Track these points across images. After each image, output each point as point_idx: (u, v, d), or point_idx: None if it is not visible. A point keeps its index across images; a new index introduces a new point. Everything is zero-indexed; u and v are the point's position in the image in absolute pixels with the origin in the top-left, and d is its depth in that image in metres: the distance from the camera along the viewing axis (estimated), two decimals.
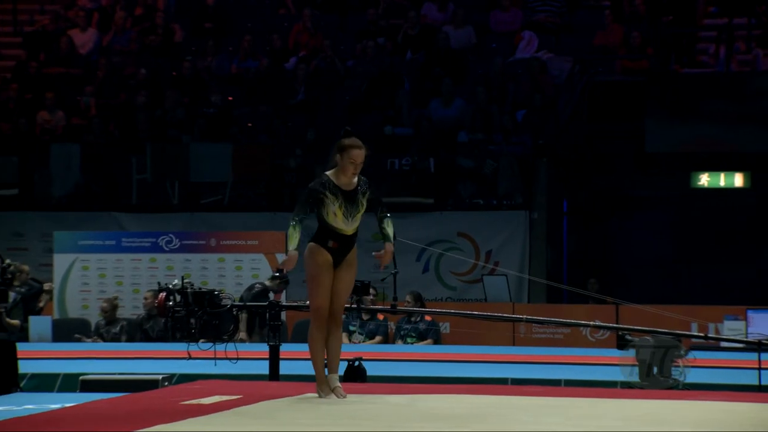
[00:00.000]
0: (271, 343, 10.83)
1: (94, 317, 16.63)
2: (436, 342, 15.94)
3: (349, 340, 15.46)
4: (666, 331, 10.86)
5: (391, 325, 16.14)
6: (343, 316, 8.77)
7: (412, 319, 15.87)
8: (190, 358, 10.61)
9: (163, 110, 20.12)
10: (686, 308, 15.24)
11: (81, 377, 11.57)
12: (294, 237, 8.31)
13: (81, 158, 19.25)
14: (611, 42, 20.01)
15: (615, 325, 13.64)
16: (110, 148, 19.60)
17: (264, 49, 21.12)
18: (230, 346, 10.56)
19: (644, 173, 18.89)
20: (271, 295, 14.72)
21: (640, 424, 7.46)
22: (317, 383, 8.45)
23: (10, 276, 12.03)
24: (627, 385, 10.48)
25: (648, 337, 10.61)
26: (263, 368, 10.93)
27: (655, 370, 10.37)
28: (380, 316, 15.88)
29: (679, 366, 10.44)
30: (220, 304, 10.76)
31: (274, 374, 10.82)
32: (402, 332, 15.90)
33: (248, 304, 13.61)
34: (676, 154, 18.64)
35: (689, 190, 18.73)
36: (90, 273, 17.40)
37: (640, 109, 18.60)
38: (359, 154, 8.31)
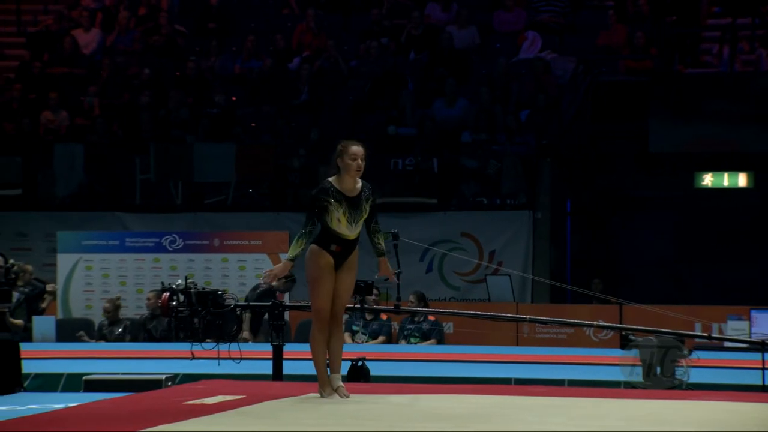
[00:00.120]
0: (275, 343, 10.83)
1: (98, 317, 16.64)
2: (440, 342, 15.93)
3: (353, 340, 15.45)
4: (670, 331, 10.85)
5: (395, 325, 16.14)
6: (347, 316, 8.79)
7: (416, 319, 15.87)
8: (193, 358, 10.62)
9: (167, 110, 20.13)
10: (690, 308, 15.23)
11: (84, 377, 11.57)
12: (295, 248, 8.33)
13: (84, 158, 19.26)
14: (615, 42, 20.00)
15: (618, 325, 13.65)
16: (114, 148, 19.61)
17: (267, 50, 21.12)
18: (233, 346, 10.56)
19: (648, 173, 18.88)
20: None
21: (644, 424, 7.46)
22: (319, 384, 8.46)
23: (13, 276, 12.05)
24: (630, 385, 10.47)
25: (651, 337, 10.60)
26: (266, 368, 10.93)
27: (659, 370, 10.36)
28: (383, 316, 15.87)
29: (682, 366, 10.43)
30: (224, 304, 10.76)
31: (277, 374, 10.82)
32: (405, 332, 15.90)
33: (252, 303, 13.62)
34: (680, 154, 18.64)
35: (693, 190, 18.72)
36: (93, 273, 17.41)
37: (643, 109, 18.61)
38: (358, 150, 8.32)
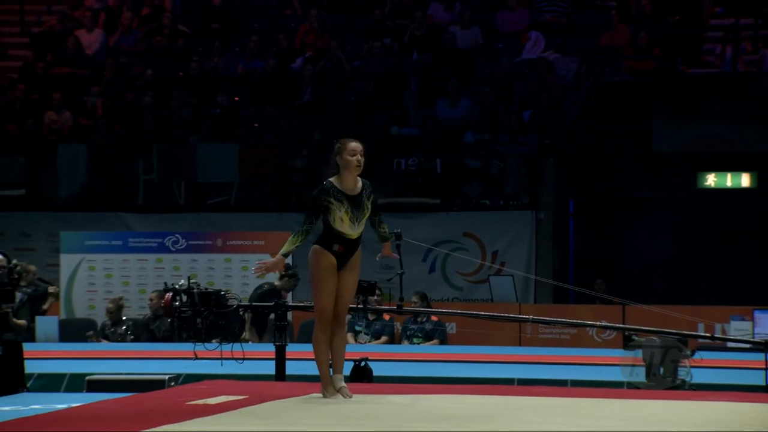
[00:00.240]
0: (277, 344, 10.83)
1: (101, 317, 16.64)
2: (443, 342, 15.93)
3: (355, 341, 15.46)
4: (673, 331, 10.85)
5: (398, 326, 16.14)
6: (350, 317, 8.79)
7: (419, 319, 15.86)
8: (196, 358, 10.62)
9: (170, 110, 20.14)
10: (693, 308, 15.24)
11: (87, 377, 11.57)
12: (290, 244, 8.31)
13: (88, 158, 19.27)
14: (618, 42, 20.00)
15: (621, 326, 13.63)
16: (117, 148, 19.62)
17: (270, 50, 21.13)
18: (236, 346, 10.57)
19: (651, 173, 18.88)
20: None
21: (646, 425, 7.46)
22: (322, 384, 8.46)
23: (16, 276, 12.05)
24: (633, 386, 10.46)
25: (654, 338, 10.60)
26: (269, 368, 10.94)
27: (661, 370, 10.36)
28: (386, 317, 15.87)
29: (685, 366, 10.42)
30: (227, 304, 10.77)
31: (280, 374, 10.82)
32: (408, 332, 15.90)
33: (254, 304, 13.62)
34: (683, 155, 18.63)
35: (696, 190, 18.72)
36: (96, 273, 17.41)
37: (646, 110, 18.61)
38: (357, 146, 8.33)
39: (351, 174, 8.35)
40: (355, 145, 8.34)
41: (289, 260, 16.18)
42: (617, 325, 14.30)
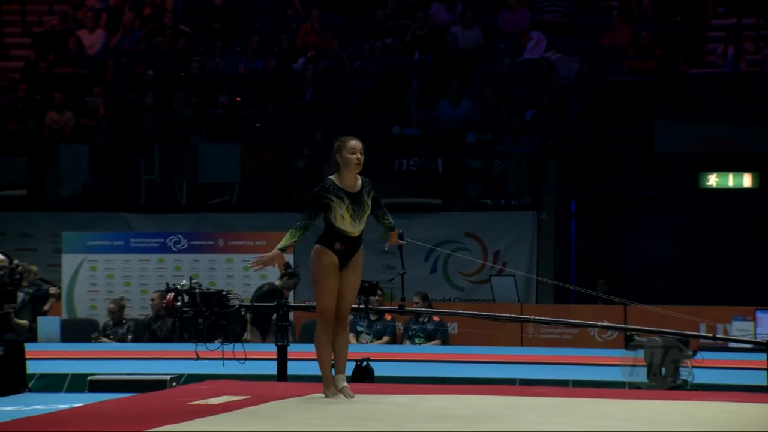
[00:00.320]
0: (279, 344, 10.83)
1: (103, 317, 16.65)
2: (444, 342, 15.93)
3: (357, 341, 15.46)
4: (674, 331, 10.84)
5: (399, 326, 16.14)
6: (351, 317, 8.78)
7: (420, 319, 15.86)
8: (198, 358, 10.62)
9: (171, 111, 20.14)
10: (694, 309, 15.23)
11: (89, 377, 11.57)
12: (288, 239, 8.32)
13: (89, 159, 19.28)
14: (620, 42, 20.00)
15: (623, 326, 13.63)
16: (119, 148, 19.63)
17: (272, 50, 21.13)
18: (238, 346, 10.57)
19: (652, 173, 18.88)
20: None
21: (647, 425, 7.46)
22: (324, 384, 8.45)
23: (18, 276, 12.05)
24: (635, 386, 10.46)
25: (656, 338, 10.59)
26: (271, 369, 10.94)
27: (663, 370, 10.36)
28: (388, 317, 15.88)
29: (687, 366, 10.42)
30: (228, 304, 10.76)
31: (282, 375, 10.82)
32: (410, 333, 15.90)
33: (255, 304, 13.61)
34: (685, 155, 18.63)
35: (698, 190, 18.72)
36: (98, 273, 17.41)
37: (648, 110, 18.61)
38: (357, 144, 8.33)
39: (351, 172, 8.35)
40: (355, 143, 8.34)
41: (290, 260, 16.25)
42: (619, 325, 14.29)
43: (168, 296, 10.81)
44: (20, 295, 13.93)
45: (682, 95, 18.62)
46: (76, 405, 8.84)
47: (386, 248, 9.02)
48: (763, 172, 18.58)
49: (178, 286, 10.79)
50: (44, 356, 13.30)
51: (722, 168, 18.69)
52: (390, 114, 19.61)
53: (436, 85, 19.94)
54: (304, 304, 12.70)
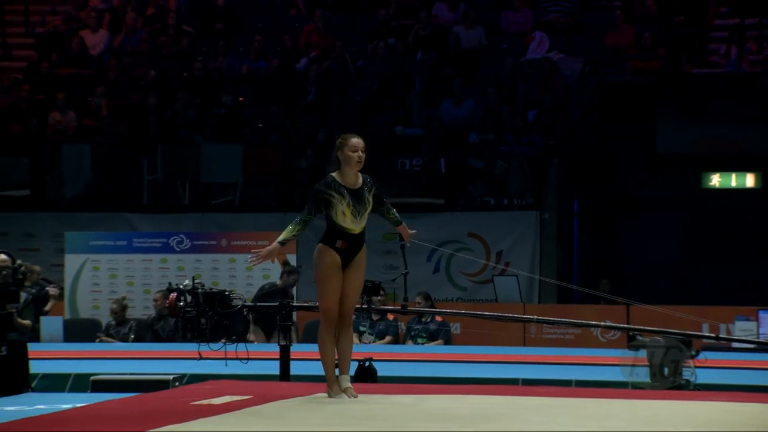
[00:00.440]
0: (282, 344, 10.84)
1: (105, 317, 16.66)
2: (447, 342, 15.94)
3: (360, 341, 15.47)
4: (677, 331, 10.84)
5: (402, 326, 16.15)
6: (354, 317, 8.77)
7: (423, 319, 15.87)
8: (200, 358, 10.62)
9: (174, 111, 20.15)
10: (697, 309, 15.23)
11: (92, 377, 11.58)
12: (288, 233, 8.32)
13: (92, 159, 19.28)
14: (622, 42, 20.00)
15: (626, 326, 13.62)
16: (121, 148, 19.64)
17: (275, 50, 21.14)
18: (241, 346, 10.57)
19: (655, 174, 18.88)
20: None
21: (648, 425, 7.46)
22: (327, 384, 8.45)
23: (21, 276, 12.05)
24: (637, 386, 10.46)
25: (659, 338, 10.59)
26: (274, 369, 10.94)
27: (666, 370, 10.36)
28: (390, 317, 15.88)
29: (689, 366, 10.42)
30: (231, 304, 10.77)
31: (284, 375, 10.82)
32: (412, 333, 15.91)
33: (258, 304, 13.61)
34: (687, 155, 18.63)
35: (700, 190, 18.71)
36: (101, 273, 17.43)
37: (651, 110, 18.60)
38: (358, 142, 8.34)
39: (352, 170, 8.36)
40: (356, 141, 8.35)
41: (293, 260, 16.27)
42: (621, 325, 14.29)
43: (171, 296, 10.82)
44: (23, 295, 13.94)
45: (684, 95, 18.61)
46: (78, 405, 8.85)
47: (407, 245, 9.00)
48: (765, 172, 18.57)
49: (181, 286, 10.80)
50: (47, 356, 13.31)
51: (725, 168, 18.68)
52: (393, 114, 19.61)
53: (438, 85, 19.94)
54: (306, 304, 12.70)
